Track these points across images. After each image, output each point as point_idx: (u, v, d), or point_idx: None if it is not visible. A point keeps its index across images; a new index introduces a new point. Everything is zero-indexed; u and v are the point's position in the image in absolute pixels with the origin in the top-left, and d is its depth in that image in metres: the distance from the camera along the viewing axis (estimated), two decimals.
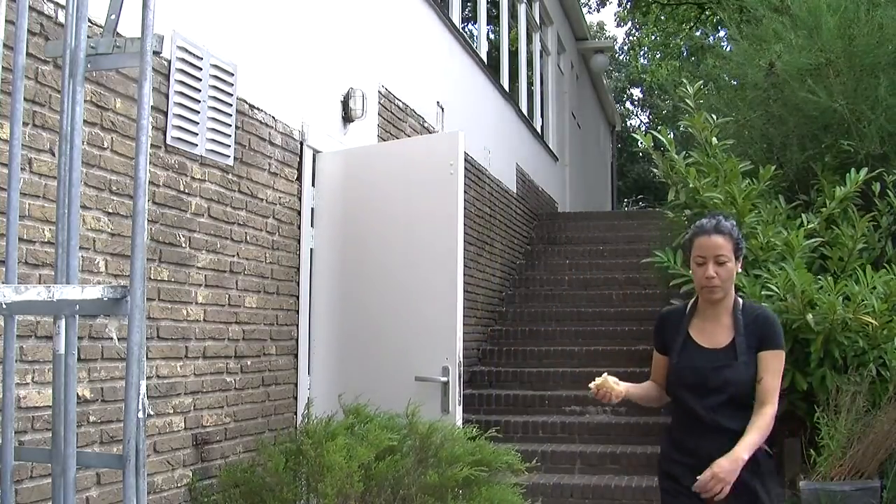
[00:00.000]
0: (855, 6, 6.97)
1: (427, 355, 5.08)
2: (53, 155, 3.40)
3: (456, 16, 9.24)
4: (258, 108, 5.07)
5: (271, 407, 5.15)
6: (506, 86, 11.09)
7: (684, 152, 6.81)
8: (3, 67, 3.25)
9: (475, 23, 10.81)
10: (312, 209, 5.66)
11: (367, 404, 4.68)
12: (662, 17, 21.59)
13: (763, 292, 5.93)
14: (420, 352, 5.10)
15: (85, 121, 3.46)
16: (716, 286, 3.30)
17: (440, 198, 5.14)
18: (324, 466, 4.13)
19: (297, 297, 5.46)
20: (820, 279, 5.97)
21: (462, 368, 5.08)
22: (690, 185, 6.51)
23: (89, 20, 2.62)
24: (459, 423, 4.96)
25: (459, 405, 5.01)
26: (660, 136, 6.75)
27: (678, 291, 6.75)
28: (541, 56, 13.59)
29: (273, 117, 5.23)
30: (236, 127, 4.82)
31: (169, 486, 4.24)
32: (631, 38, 26.08)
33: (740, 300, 3.42)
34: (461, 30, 9.36)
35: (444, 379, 4.99)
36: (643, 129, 27.35)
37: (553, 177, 13.91)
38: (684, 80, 7.02)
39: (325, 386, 5.48)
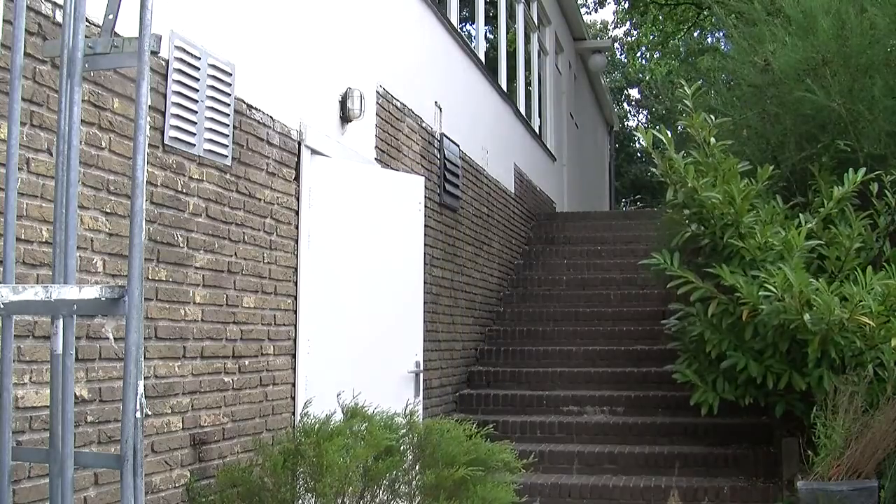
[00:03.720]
0: (847, 7, 6.98)
1: (397, 354, 6.21)
2: (51, 155, 3.40)
3: (454, 16, 9.24)
4: (256, 108, 5.07)
5: (269, 407, 5.15)
6: (504, 86, 11.09)
7: (683, 152, 6.80)
8: (0, 67, 3.25)
9: (473, 23, 10.80)
10: (310, 209, 5.67)
11: (365, 404, 4.70)
12: (661, 18, 21.59)
13: (761, 292, 5.93)
14: (391, 351, 6.16)
15: (83, 120, 3.45)
16: None
17: (407, 228, 6.41)
18: (322, 466, 4.13)
19: (296, 298, 5.46)
20: (817, 280, 5.97)
21: (422, 367, 6.42)
22: (689, 185, 6.51)
23: (87, 20, 2.62)
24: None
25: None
26: (659, 135, 6.74)
27: (676, 292, 6.75)
28: (539, 56, 13.59)
29: (271, 117, 5.23)
30: (234, 127, 4.82)
31: (167, 487, 4.24)
32: (629, 38, 26.07)
33: None
34: (459, 30, 9.36)
35: (416, 370, 6.34)
36: (643, 127, 27.33)
37: (551, 177, 13.91)
38: (682, 81, 7.01)
39: (323, 386, 5.49)
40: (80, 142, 3.23)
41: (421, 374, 6.39)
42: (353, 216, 5.93)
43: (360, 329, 5.87)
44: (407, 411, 4.79)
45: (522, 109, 12.05)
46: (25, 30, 2.78)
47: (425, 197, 7.69)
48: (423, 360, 6.50)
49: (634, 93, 33.46)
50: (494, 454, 4.66)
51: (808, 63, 6.89)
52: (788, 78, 6.99)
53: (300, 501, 4.32)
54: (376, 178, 6.30)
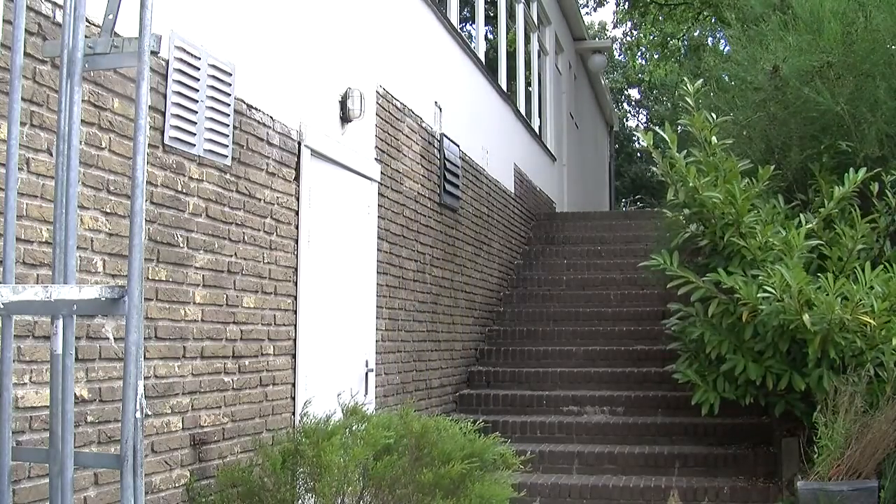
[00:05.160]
0: (854, 11, 6.97)
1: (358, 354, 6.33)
2: (51, 155, 3.40)
3: (454, 16, 9.24)
4: (256, 108, 5.06)
5: (269, 407, 5.15)
6: (504, 86, 11.09)
7: (685, 151, 6.80)
8: (0, 67, 3.25)
9: (473, 23, 10.81)
10: (310, 209, 5.68)
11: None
12: (661, 18, 21.57)
13: (760, 293, 5.93)
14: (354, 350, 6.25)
15: (83, 120, 3.45)
16: None
17: (363, 233, 6.44)
18: (321, 466, 4.13)
19: (296, 298, 5.46)
20: (818, 277, 5.97)
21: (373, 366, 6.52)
22: (690, 185, 6.50)
23: (87, 20, 2.62)
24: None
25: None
26: (661, 132, 6.74)
27: (676, 292, 6.75)
28: (539, 56, 13.59)
29: (271, 117, 5.22)
30: (234, 127, 4.81)
31: (167, 487, 4.24)
32: (629, 38, 26.06)
33: None
34: (459, 30, 9.36)
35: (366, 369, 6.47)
36: (642, 127, 27.38)
37: (551, 177, 13.91)
38: (684, 79, 7.00)
39: (322, 385, 5.51)
40: (80, 142, 3.23)
41: (370, 374, 6.43)
42: (327, 218, 5.92)
43: (336, 329, 5.94)
44: (404, 410, 4.80)
45: (522, 109, 12.05)
46: (25, 30, 2.78)
47: (426, 199, 7.71)
48: (376, 362, 6.53)
49: (634, 93, 33.49)
50: (489, 448, 4.67)
51: (815, 67, 6.88)
52: (794, 81, 6.98)
53: (300, 501, 4.32)
54: (337, 181, 6.08)
